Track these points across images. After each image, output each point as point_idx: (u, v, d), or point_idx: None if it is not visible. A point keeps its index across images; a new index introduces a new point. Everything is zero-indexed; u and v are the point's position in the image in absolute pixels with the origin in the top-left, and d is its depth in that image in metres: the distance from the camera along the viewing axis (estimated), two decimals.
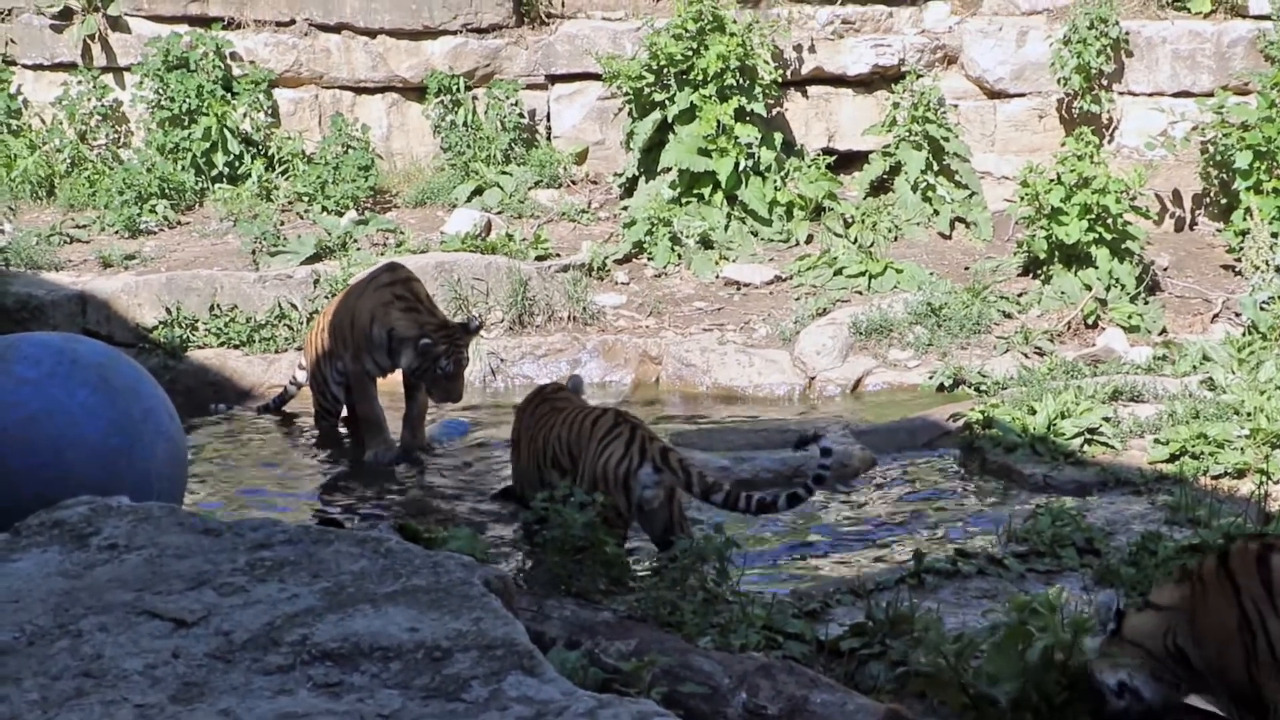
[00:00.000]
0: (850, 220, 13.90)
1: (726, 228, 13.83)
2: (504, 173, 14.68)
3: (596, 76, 14.71)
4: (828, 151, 14.55)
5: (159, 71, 14.90)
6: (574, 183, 14.99)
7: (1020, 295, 12.68)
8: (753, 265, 13.49)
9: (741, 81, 13.99)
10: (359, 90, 15.41)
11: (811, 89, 14.80)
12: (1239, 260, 12.92)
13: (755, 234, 13.89)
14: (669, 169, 14.05)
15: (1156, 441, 9.36)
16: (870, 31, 14.77)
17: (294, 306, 12.37)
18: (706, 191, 13.94)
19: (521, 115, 15.04)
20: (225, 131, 14.83)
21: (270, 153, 15.03)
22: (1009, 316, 12.34)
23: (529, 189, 14.63)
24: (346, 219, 13.95)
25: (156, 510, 4.70)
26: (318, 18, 15.30)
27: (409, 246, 13.39)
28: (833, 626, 6.42)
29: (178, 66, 14.93)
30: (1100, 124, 14.08)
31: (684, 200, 13.95)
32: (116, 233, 14.07)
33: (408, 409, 10.31)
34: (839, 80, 14.75)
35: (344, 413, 10.68)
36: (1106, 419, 9.67)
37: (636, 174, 14.43)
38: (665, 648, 5.72)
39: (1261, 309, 11.65)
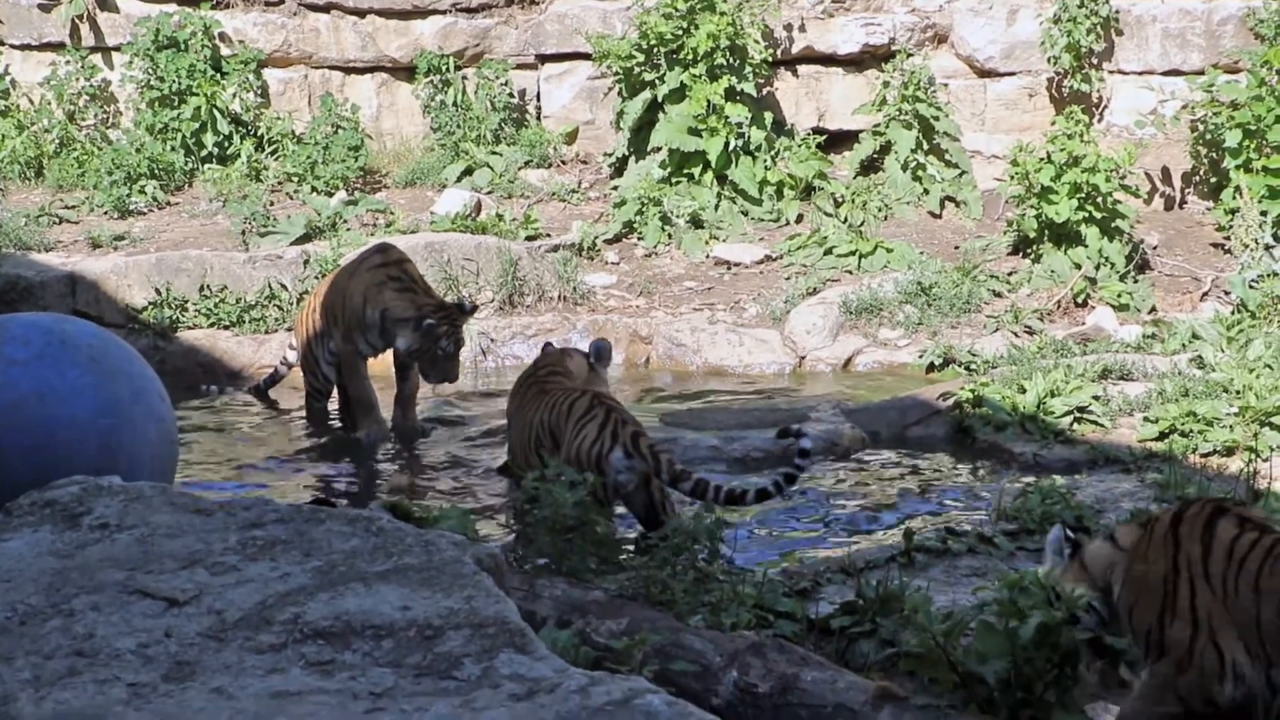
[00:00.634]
0: (840, 199, 13.89)
1: (717, 207, 13.82)
2: (494, 153, 14.66)
3: (586, 56, 14.69)
4: (818, 131, 14.54)
5: (148, 51, 14.86)
6: (564, 162, 14.98)
7: (1010, 274, 12.69)
8: (743, 245, 13.49)
9: (731, 61, 13.97)
10: (348, 70, 15.38)
11: (802, 68, 14.79)
12: (1228, 239, 12.93)
13: (745, 213, 13.89)
14: (659, 148, 14.05)
15: (1146, 420, 9.37)
16: (860, 10, 14.76)
17: (284, 287, 12.36)
18: (696, 171, 13.93)
19: (511, 95, 15.02)
20: (214, 112, 14.80)
21: (260, 133, 15.00)
22: (999, 295, 12.35)
23: (519, 169, 14.61)
24: (336, 199, 13.93)
25: (148, 490, 4.71)
26: None
27: (399, 227, 13.38)
28: (823, 605, 6.43)
29: (167, 46, 14.89)
30: (1090, 103, 14.08)
31: (674, 180, 13.94)
32: (106, 213, 14.04)
33: (399, 389, 10.31)
34: (829, 59, 14.74)
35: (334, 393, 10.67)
36: (1096, 397, 9.69)
37: (626, 154, 14.42)
38: (656, 626, 5.73)
39: (1250, 287, 11.67)
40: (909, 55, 14.28)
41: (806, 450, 7.50)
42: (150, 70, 14.86)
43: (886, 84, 14.20)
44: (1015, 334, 11.63)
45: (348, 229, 13.30)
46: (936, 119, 14.12)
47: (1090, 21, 13.81)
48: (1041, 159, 12.64)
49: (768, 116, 14.24)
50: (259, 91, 15.20)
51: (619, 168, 14.54)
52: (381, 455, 10.04)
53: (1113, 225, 12.61)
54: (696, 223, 13.66)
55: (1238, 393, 9.41)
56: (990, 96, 14.52)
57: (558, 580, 6.25)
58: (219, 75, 14.99)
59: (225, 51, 15.17)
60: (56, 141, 15.08)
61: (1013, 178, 12.93)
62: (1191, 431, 9.09)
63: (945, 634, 5.31)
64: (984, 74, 14.54)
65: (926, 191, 14.06)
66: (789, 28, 14.61)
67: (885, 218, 13.80)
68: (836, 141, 14.61)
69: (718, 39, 13.79)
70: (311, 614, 3.83)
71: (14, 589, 4.02)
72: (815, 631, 6.10)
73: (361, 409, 10.23)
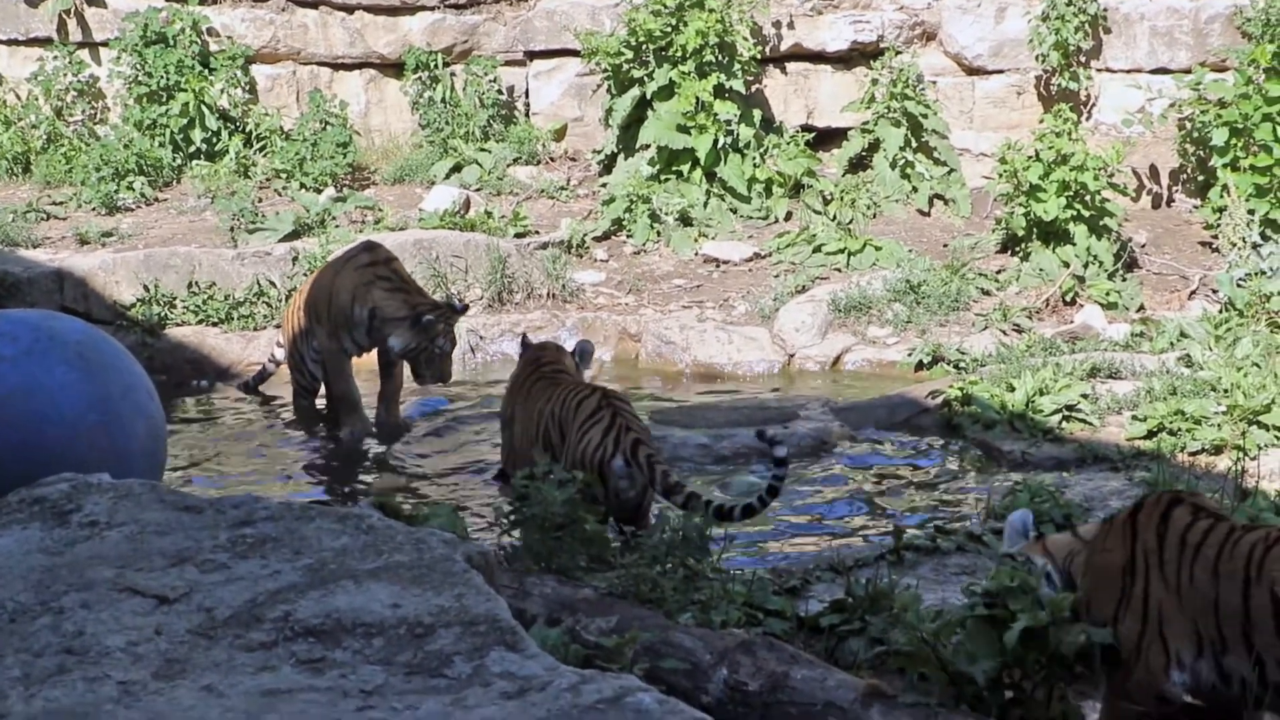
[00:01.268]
0: (829, 197, 13.90)
1: (705, 205, 13.82)
2: (482, 149, 14.65)
3: (575, 53, 14.69)
4: (806, 128, 14.54)
5: (136, 47, 14.83)
6: (553, 160, 14.97)
7: (999, 272, 12.70)
8: (732, 242, 13.49)
9: (720, 58, 13.97)
10: (337, 66, 15.37)
11: (790, 65, 14.79)
12: (1216, 237, 12.95)
13: (734, 211, 13.89)
14: (648, 146, 14.04)
15: (1134, 418, 9.39)
16: (849, 8, 14.76)
17: (272, 284, 12.34)
18: (685, 168, 13.93)
19: (500, 92, 15.01)
20: (203, 108, 14.77)
21: (248, 129, 14.98)
22: (987, 294, 12.36)
23: (508, 166, 14.60)
24: (325, 196, 13.91)
25: (137, 487, 4.69)
26: None
27: (387, 223, 13.37)
28: (813, 603, 6.43)
29: (155, 42, 14.86)
30: (1078, 101, 14.10)
31: (663, 177, 13.94)
32: (94, 209, 14.02)
33: (383, 387, 10.30)
34: (818, 57, 14.75)
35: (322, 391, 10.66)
36: (1084, 396, 9.71)
37: (615, 151, 14.41)
38: (646, 624, 5.73)
39: (1238, 286, 11.68)
40: (897, 53, 14.28)
41: (782, 459, 7.46)
42: (138, 66, 14.84)
43: (875, 82, 14.21)
44: (1004, 332, 11.64)
45: (336, 226, 13.28)
46: (925, 117, 14.13)
47: (1078, 20, 13.83)
48: (1030, 157, 12.65)
49: (756, 114, 14.25)
50: (247, 88, 15.18)
51: (608, 165, 14.54)
52: (366, 453, 10.03)
53: (1101, 223, 12.63)
54: (685, 220, 13.66)
55: (1225, 391, 9.43)
56: (979, 94, 14.54)
57: (547, 578, 6.24)
58: (207, 71, 14.96)
59: (213, 47, 15.15)
60: (44, 137, 15.06)
61: (1001, 176, 12.94)
62: (1179, 430, 9.11)
63: (935, 633, 5.32)
64: (972, 72, 14.55)
65: (915, 189, 14.07)
66: (777, 25, 14.61)
67: (874, 215, 13.80)
68: (825, 139, 14.62)
69: (706, 36, 13.79)
70: (302, 612, 3.82)
71: (3, 586, 4.01)
72: (805, 629, 6.11)
73: (345, 406, 10.22)
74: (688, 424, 9.83)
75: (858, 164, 14.37)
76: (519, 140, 14.81)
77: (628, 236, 13.60)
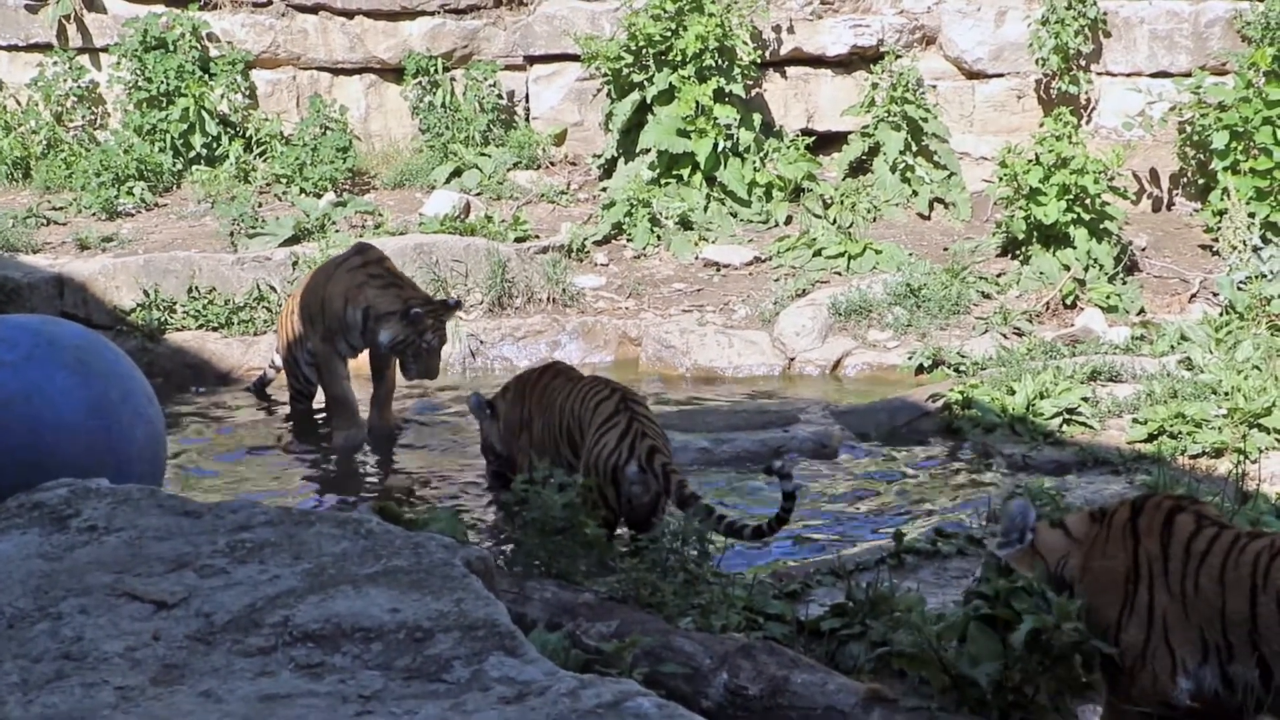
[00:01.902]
0: (829, 201, 13.90)
1: (706, 209, 13.82)
2: (482, 154, 14.66)
3: (575, 57, 14.69)
4: (806, 132, 14.55)
5: (136, 52, 14.84)
6: (553, 164, 14.98)
7: (999, 276, 12.70)
8: (732, 246, 13.49)
9: (720, 62, 13.97)
10: (337, 71, 15.37)
11: (790, 69, 14.79)
12: (1216, 240, 12.95)
13: (734, 215, 13.89)
14: (648, 150, 14.04)
15: (1135, 421, 9.39)
16: (849, 12, 14.77)
17: (272, 288, 12.33)
18: (685, 172, 13.93)
19: (500, 96, 15.02)
20: (203, 113, 14.78)
21: (248, 134, 14.99)
22: (988, 297, 12.36)
23: (508, 170, 14.61)
24: (325, 200, 13.91)
25: (136, 492, 4.69)
26: None
27: (387, 228, 13.37)
28: (813, 607, 6.43)
29: (155, 47, 14.87)
30: (1078, 104, 14.10)
31: (663, 181, 13.95)
32: (94, 215, 14.02)
33: (375, 390, 10.30)
34: (818, 61, 14.75)
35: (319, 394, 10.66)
36: (1085, 399, 9.71)
37: (615, 155, 14.42)
38: (646, 629, 5.73)
39: (1239, 289, 11.69)
40: (897, 57, 14.29)
41: (793, 493, 7.29)
42: (138, 71, 14.84)
43: (875, 85, 14.21)
44: (1004, 335, 11.64)
45: (336, 230, 13.28)
46: (925, 120, 14.13)
47: (1078, 23, 13.83)
48: (1030, 160, 12.65)
49: (756, 118, 14.25)
50: (247, 93, 15.18)
51: (608, 169, 14.54)
52: (362, 457, 10.02)
53: (1101, 227, 12.63)
54: (685, 224, 13.66)
55: (1226, 394, 9.43)
56: (979, 98, 14.54)
57: (547, 582, 6.24)
58: (207, 76, 14.97)
59: (213, 52, 15.16)
60: (44, 143, 15.06)
61: (1001, 179, 12.94)
62: (1180, 433, 9.10)
63: (937, 635, 5.31)
64: (972, 75, 14.55)
65: (915, 193, 14.07)
66: (777, 29, 14.61)
67: (874, 219, 13.80)
68: (825, 143, 14.62)
69: (706, 40, 13.79)
70: (301, 617, 3.81)
71: (1, 591, 4.00)
72: (805, 634, 6.10)
73: (340, 410, 10.22)
74: (688, 428, 9.82)
75: (858, 168, 14.38)
76: (519, 145, 14.82)
77: (628, 241, 13.59)
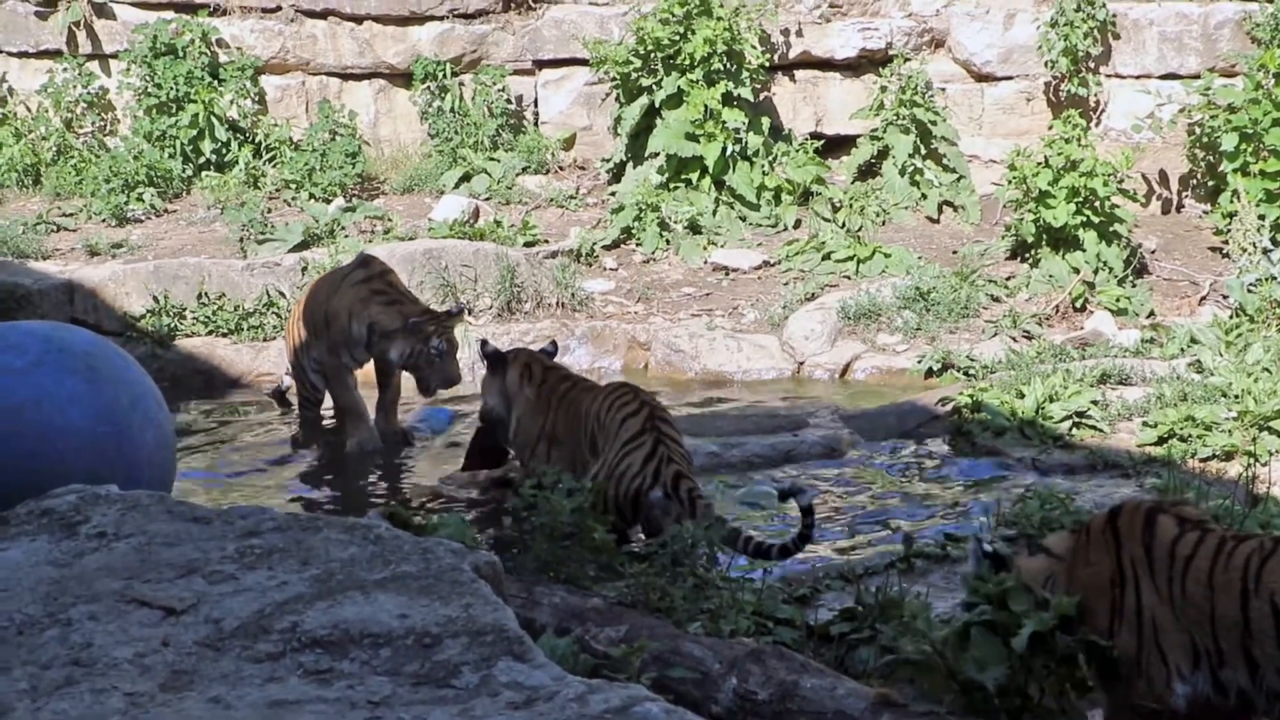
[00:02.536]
0: (838, 205, 13.89)
1: (714, 213, 13.83)
2: (491, 159, 14.67)
3: (584, 62, 14.69)
4: (815, 136, 14.54)
5: (145, 58, 14.87)
6: (562, 168, 14.98)
7: (1008, 279, 12.69)
8: (741, 250, 13.49)
9: (729, 66, 13.98)
10: (346, 77, 15.39)
11: (799, 73, 14.78)
12: (1226, 242, 12.93)
13: (743, 219, 13.89)
14: (657, 154, 14.04)
15: (1145, 424, 9.38)
16: (857, 15, 14.76)
17: (282, 294, 12.34)
18: (694, 177, 13.93)
19: (509, 101, 15.02)
20: (212, 119, 14.80)
21: (257, 140, 15.01)
22: (997, 300, 12.35)
23: (517, 175, 14.61)
24: (334, 206, 13.93)
25: (145, 498, 4.70)
26: (304, 3, 15.27)
27: (397, 233, 13.38)
28: (822, 612, 6.43)
29: (164, 53, 14.90)
30: (1087, 107, 14.08)
31: (672, 185, 13.95)
32: (103, 221, 14.05)
33: (380, 396, 10.30)
34: (826, 64, 14.74)
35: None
36: (1095, 402, 9.69)
37: (624, 159, 14.42)
38: (655, 633, 5.73)
39: (1249, 291, 11.66)
40: (906, 60, 14.28)
41: (811, 509, 7.24)
42: (148, 77, 14.87)
43: (884, 89, 14.20)
44: (1014, 339, 11.62)
45: (346, 236, 13.29)
46: (934, 123, 14.12)
47: (1087, 25, 13.81)
48: (1039, 163, 12.64)
49: (765, 122, 14.24)
50: (257, 98, 15.20)
51: (617, 173, 14.54)
52: (373, 463, 10.02)
53: (1110, 229, 12.61)
54: (694, 228, 13.66)
55: (1236, 397, 9.41)
56: (988, 101, 14.52)
57: (556, 588, 6.24)
58: (217, 82, 14.99)
59: (223, 58, 15.18)
60: (54, 149, 15.09)
61: (1010, 182, 12.93)
62: (1190, 436, 9.09)
63: (944, 640, 5.31)
64: (981, 78, 14.54)
65: (924, 196, 14.06)
66: (786, 33, 14.61)
67: (883, 223, 13.79)
68: (834, 146, 14.62)
69: (714, 44, 13.80)
70: (309, 622, 3.82)
71: (11, 598, 4.01)
72: (814, 638, 6.10)
73: (351, 418, 10.23)
74: (697, 432, 9.80)
75: (867, 171, 14.37)
76: (528, 149, 14.83)
77: (637, 245, 13.60)
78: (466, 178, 14.53)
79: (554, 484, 6.86)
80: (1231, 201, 12.92)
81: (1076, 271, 12.42)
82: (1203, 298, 12.47)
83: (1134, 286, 12.43)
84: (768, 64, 14.29)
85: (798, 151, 14.22)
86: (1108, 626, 5.10)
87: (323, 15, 15.29)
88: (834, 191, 14.04)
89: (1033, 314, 12.01)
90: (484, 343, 8.92)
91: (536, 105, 15.26)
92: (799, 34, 14.65)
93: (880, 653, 5.78)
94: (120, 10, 15.42)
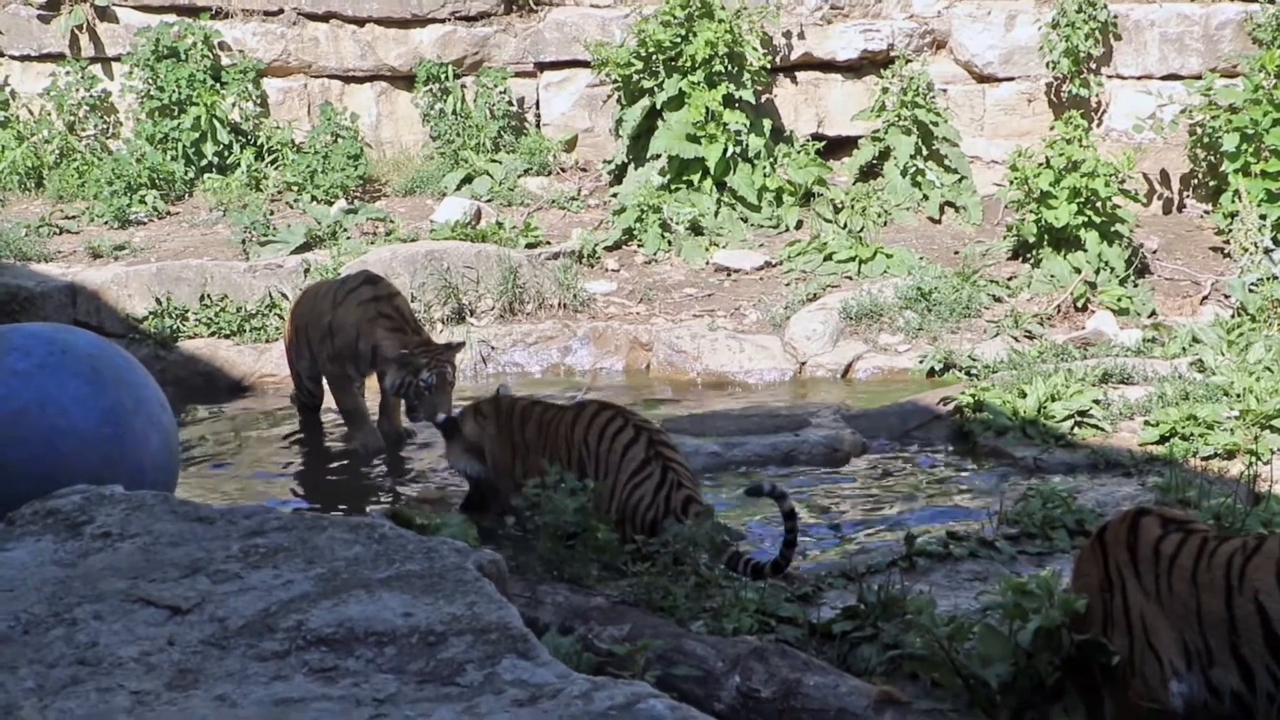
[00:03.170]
0: (840, 205, 13.91)
1: (716, 214, 13.84)
2: (493, 161, 14.68)
3: (585, 64, 14.71)
4: (817, 137, 14.56)
5: (148, 61, 14.89)
6: (563, 170, 15.00)
7: (1010, 279, 12.70)
8: (743, 251, 13.50)
9: (730, 68, 13.99)
10: (348, 79, 15.40)
11: (800, 74, 14.79)
12: (1227, 242, 12.94)
13: (745, 220, 13.91)
14: (658, 156, 14.06)
15: (1146, 423, 9.38)
16: (859, 16, 14.77)
17: (284, 296, 12.36)
18: (696, 178, 13.94)
19: (510, 103, 15.04)
20: (214, 121, 14.82)
21: (259, 142, 15.03)
22: (999, 300, 12.36)
23: (518, 177, 14.62)
24: (336, 208, 13.95)
25: (150, 498, 4.70)
26: (306, 6, 15.29)
27: (399, 235, 13.40)
28: (825, 610, 6.43)
29: (167, 56, 14.92)
30: (1089, 107, 14.09)
31: (673, 187, 13.96)
32: (106, 223, 14.07)
33: (383, 396, 10.31)
34: (828, 66, 14.75)
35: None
36: (1096, 401, 9.70)
37: (626, 161, 14.44)
38: (658, 632, 5.74)
39: (1250, 291, 11.68)
40: (908, 61, 14.29)
41: (792, 512, 7.21)
42: (150, 80, 14.89)
43: (885, 90, 14.21)
44: (1015, 338, 11.63)
45: (348, 238, 13.31)
46: (935, 124, 14.13)
47: (1088, 26, 13.82)
48: (1040, 164, 12.65)
49: (767, 123, 14.25)
50: (259, 101, 15.22)
51: (618, 175, 14.56)
52: (376, 463, 10.03)
53: (1112, 229, 12.62)
54: (696, 229, 13.67)
55: (1238, 396, 9.41)
56: (989, 102, 14.54)
57: (559, 586, 6.26)
58: (219, 85, 15.01)
59: (225, 61, 15.20)
60: (57, 152, 15.12)
61: (1012, 183, 12.94)
62: (1192, 435, 9.09)
63: (948, 637, 5.32)
64: (983, 79, 14.55)
65: (926, 197, 14.07)
66: (787, 34, 14.62)
67: (885, 223, 13.80)
68: (836, 148, 14.63)
69: (716, 46, 13.81)
70: (314, 621, 3.83)
71: (17, 598, 4.02)
72: (817, 636, 6.11)
73: (353, 420, 10.24)
74: (699, 432, 9.82)
75: (868, 172, 14.38)
76: (530, 151, 14.84)
77: (639, 246, 13.61)
78: (468, 180, 14.55)
79: (556, 484, 6.86)
80: (1233, 201, 12.93)
81: (1078, 271, 12.43)
82: (1204, 297, 12.48)
83: (1135, 286, 12.44)
84: (769, 66, 14.31)
85: (799, 153, 14.24)
86: (1100, 632, 5.12)
87: (325, 18, 15.30)
88: (835, 192, 14.05)
89: (1034, 314, 12.02)
90: (441, 421, 8.49)
91: (538, 107, 15.28)
92: (800, 36, 14.66)
93: (882, 650, 5.79)
94: (123, 13, 15.44)
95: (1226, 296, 12.14)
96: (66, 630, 3.84)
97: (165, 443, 6.51)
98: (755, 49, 14.08)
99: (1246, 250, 12.37)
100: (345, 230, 13.48)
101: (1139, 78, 14.12)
